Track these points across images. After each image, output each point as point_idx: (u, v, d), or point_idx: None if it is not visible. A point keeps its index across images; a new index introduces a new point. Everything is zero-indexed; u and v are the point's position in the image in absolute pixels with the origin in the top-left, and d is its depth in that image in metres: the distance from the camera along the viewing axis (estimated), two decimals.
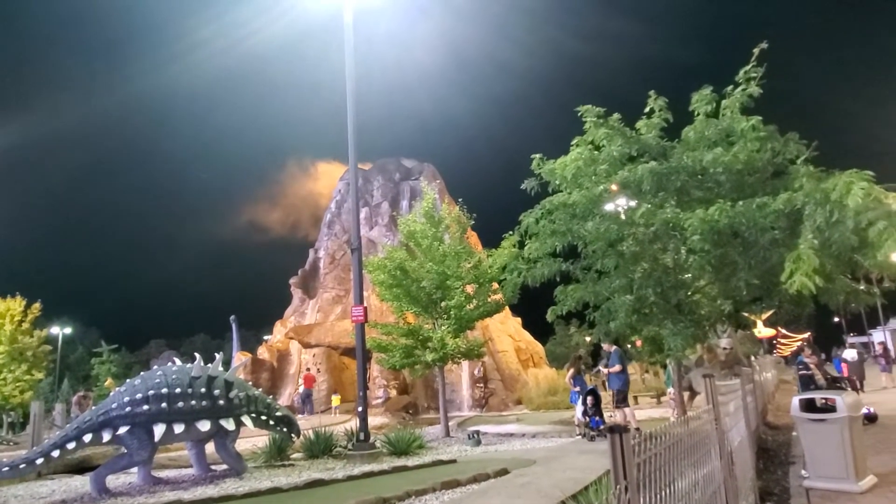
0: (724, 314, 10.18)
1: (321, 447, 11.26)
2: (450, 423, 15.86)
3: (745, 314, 11.84)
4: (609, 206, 9.44)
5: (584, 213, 9.53)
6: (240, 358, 30.73)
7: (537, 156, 10.19)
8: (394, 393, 26.18)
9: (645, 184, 8.92)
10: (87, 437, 8.18)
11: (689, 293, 9.75)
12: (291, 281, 35.63)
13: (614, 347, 12.75)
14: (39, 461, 8.03)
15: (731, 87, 9.46)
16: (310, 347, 29.46)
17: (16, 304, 31.05)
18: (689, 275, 9.68)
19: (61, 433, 8.38)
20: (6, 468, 7.94)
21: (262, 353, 31.99)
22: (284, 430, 10.33)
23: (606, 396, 13.58)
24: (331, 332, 29.36)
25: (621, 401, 12.41)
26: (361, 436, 10.98)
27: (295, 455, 11.20)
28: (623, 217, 9.41)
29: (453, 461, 9.82)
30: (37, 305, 31.81)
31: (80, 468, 10.35)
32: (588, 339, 36.02)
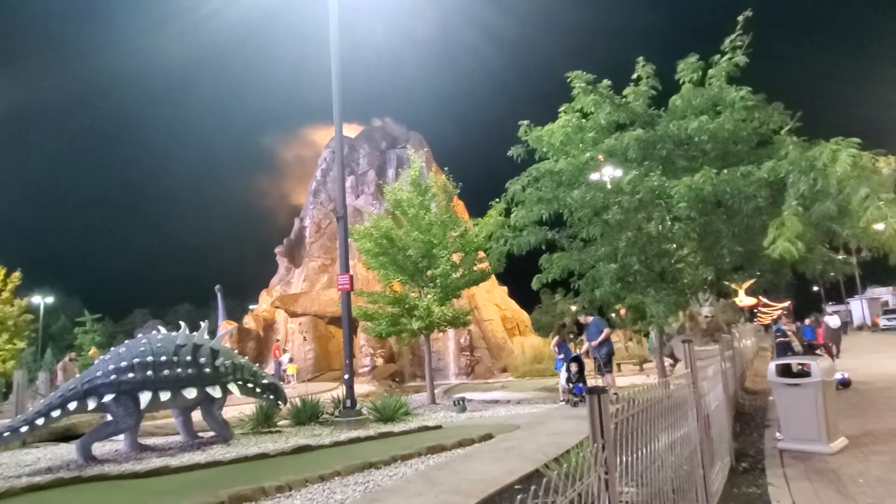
0: (707, 282, 10.32)
1: (308, 414, 11.37)
2: (436, 391, 16.05)
3: (727, 283, 12.02)
4: (595, 175, 9.45)
5: (571, 181, 9.54)
6: (225, 327, 30.72)
7: (524, 123, 10.13)
8: (380, 361, 26.37)
9: (631, 152, 8.92)
10: (72, 406, 8.18)
11: (673, 261, 9.85)
12: (277, 250, 35.44)
13: (592, 318, 12.90)
14: (24, 429, 8.03)
15: (717, 56, 9.41)
16: (296, 316, 29.48)
17: None
18: (674, 244, 9.78)
19: (46, 401, 8.36)
20: None
21: (248, 322, 31.97)
22: (271, 397, 10.40)
23: (590, 364, 13.78)
24: (317, 301, 29.37)
25: (606, 366, 12.60)
26: (348, 403, 11.08)
27: (282, 422, 11.30)
28: (609, 185, 9.42)
29: (439, 427, 9.97)
30: (17, 274, 31.38)
31: (65, 436, 10.37)
32: (573, 307, 36.44)
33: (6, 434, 7.94)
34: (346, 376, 11.42)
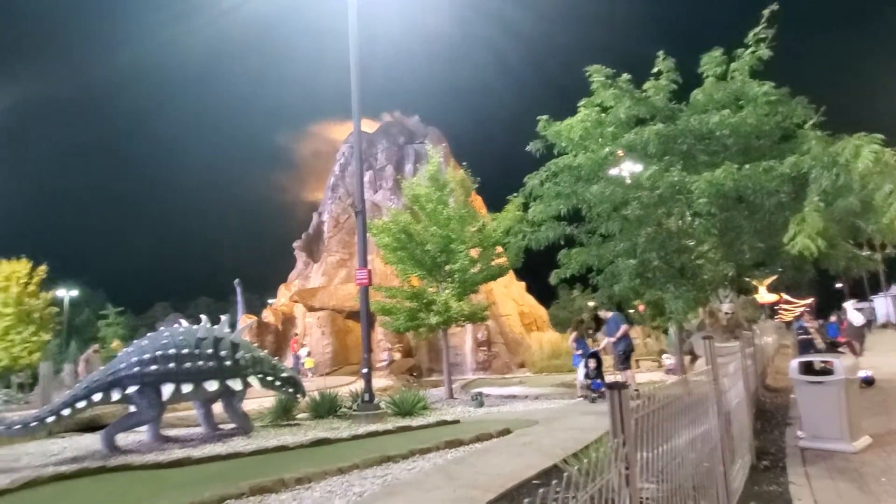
0: (727, 278, 10.22)
1: (326, 408, 11.46)
2: (453, 386, 16.09)
3: (748, 279, 11.88)
4: (614, 170, 9.40)
5: (590, 176, 9.50)
6: (245, 321, 31.05)
7: (543, 117, 10.09)
8: (398, 356, 26.50)
9: (651, 146, 8.86)
10: (97, 397, 8.33)
11: (693, 257, 9.77)
12: (295, 244, 35.71)
13: (611, 313, 12.83)
14: (50, 419, 8.21)
15: (740, 50, 9.29)
16: (314, 311, 29.72)
17: (21, 267, 31.23)
18: (694, 239, 9.69)
19: (71, 392, 8.53)
20: (18, 426, 8.12)
21: (267, 316, 32.29)
22: (290, 390, 10.50)
23: (608, 360, 13.72)
24: (335, 296, 29.58)
25: (623, 362, 12.54)
26: (366, 397, 11.16)
27: (300, 415, 11.41)
28: (628, 180, 9.37)
29: (456, 422, 10.00)
30: (42, 268, 31.98)
31: (90, 427, 10.57)
32: (591, 303, 36.26)
33: (33, 424, 8.13)
34: (364, 370, 11.50)
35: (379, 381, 19.17)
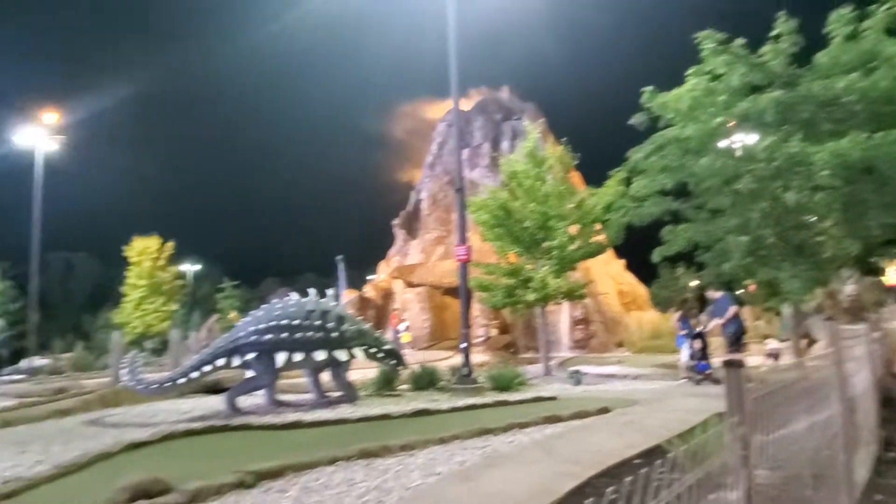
0: (851, 258, 9.44)
1: (426, 380, 11.79)
2: (550, 363, 16.03)
3: (875, 259, 10.92)
4: (725, 142, 8.90)
5: (698, 149, 9.05)
6: (347, 296, 32.38)
7: (648, 89, 9.68)
8: (494, 332, 26.71)
9: (768, 115, 8.29)
10: (220, 362, 9.09)
11: (813, 234, 9.10)
12: (394, 222, 36.63)
13: (720, 293, 12.17)
14: (181, 381, 9.07)
15: (874, 6, 8.44)
16: (413, 287, 30.48)
17: (153, 244, 34.36)
18: (814, 215, 9.02)
19: (198, 357, 9.36)
20: (155, 386, 9.08)
21: (368, 291, 33.50)
22: (392, 362, 10.90)
23: (715, 342, 13.11)
24: (433, 272, 30.15)
25: (734, 345, 11.93)
26: (464, 371, 11.37)
27: (401, 387, 11.81)
28: (741, 152, 8.84)
29: (554, 398, 9.98)
30: (170, 244, 34.98)
31: (213, 389, 11.52)
32: (696, 282, 34.68)
33: (167, 385, 9.04)
34: (463, 345, 11.70)
35: (475, 357, 19.42)
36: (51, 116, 28.99)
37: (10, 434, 7.94)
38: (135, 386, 9.14)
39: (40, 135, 27.38)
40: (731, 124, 9.00)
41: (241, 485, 4.75)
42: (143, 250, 33.94)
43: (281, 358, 9.04)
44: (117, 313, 34.48)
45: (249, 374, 9.33)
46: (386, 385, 11.34)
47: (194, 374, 9.06)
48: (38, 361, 22.72)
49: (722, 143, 9.07)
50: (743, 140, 8.94)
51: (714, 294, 12.33)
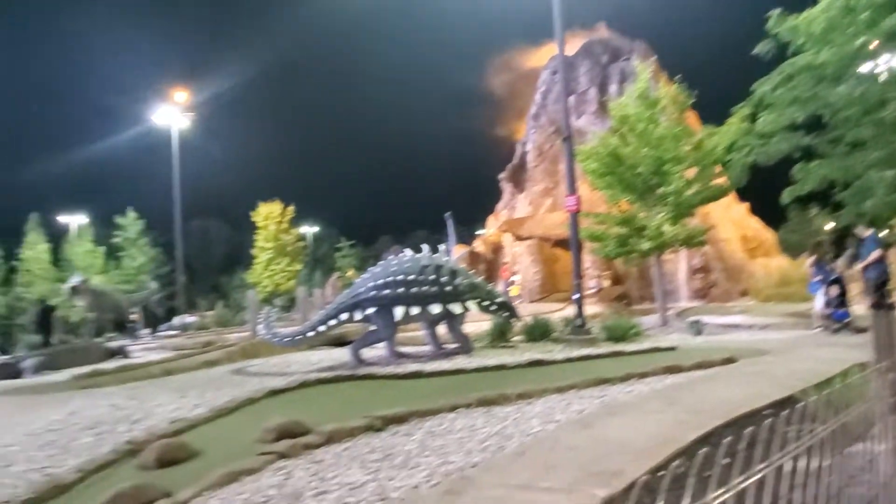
0: None
1: (539, 332, 11.86)
2: (667, 314, 15.52)
3: None
4: (868, 65, 7.96)
5: (835, 75, 8.17)
6: (457, 251, 32.89)
7: (775, 12, 8.81)
8: (606, 283, 26.15)
9: None
10: (343, 316, 9.67)
11: None
12: (501, 176, 36.43)
13: (870, 231, 11.03)
14: (310, 334, 9.79)
15: None
16: (522, 240, 30.39)
17: (276, 208, 36.74)
18: None
19: (324, 312, 10.02)
20: (287, 338, 9.95)
21: (478, 246, 33.83)
22: (505, 314, 11.05)
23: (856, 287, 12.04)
24: (541, 225, 29.83)
25: (875, 292, 10.90)
26: (578, 322, 11.31)
27: (515, 338, 11.96)
28: (886, 76, 7.88)
29: (672, 348, 9.72)
30: (291, 208, 37.22)
31: (338, 342, 12.30)
32: (830, 224, 31.72)
33: (298, 338, 9.84)
34: (576, 295, 11.61)
35: (588, 309, 19.16)
36: (181, 95, 31.40)
37: (171, 381, 9.04)
38: (270, 339, 10.03)
39: (174, 113, 29.83)
40: (874, 45, 8.00)
41: (371, 428, 5.10)
42: (268, 215, 36.42)
43: (399, 311, 9.44)
44: (249, 274, 37.47)
45: (371, 327, 9.86)
46: (500, 337, 11.53)
47: (321, 328, 9.73)
48: (188, 319, 25.42)
49: (863, 68, 8.11)
50: (889, 62, 7.93)
51: (864, 232, 11.17)
